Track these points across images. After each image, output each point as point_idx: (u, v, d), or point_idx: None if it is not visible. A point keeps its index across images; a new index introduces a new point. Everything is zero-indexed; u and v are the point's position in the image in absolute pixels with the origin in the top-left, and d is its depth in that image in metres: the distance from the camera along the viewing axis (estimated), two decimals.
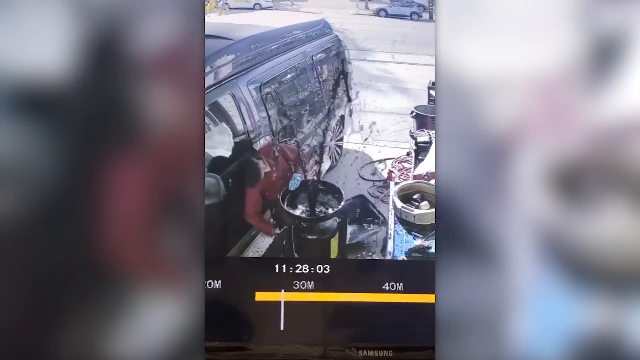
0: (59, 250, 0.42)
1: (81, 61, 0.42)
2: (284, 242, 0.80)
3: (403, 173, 0.86)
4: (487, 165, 0.52)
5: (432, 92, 0.82)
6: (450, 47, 0.52)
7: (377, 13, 0.93)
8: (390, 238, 0.79)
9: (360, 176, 0.87)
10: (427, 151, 0.85)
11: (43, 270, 0.42)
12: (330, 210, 0.81)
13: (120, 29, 0.43)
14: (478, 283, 0.52)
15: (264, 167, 0.80)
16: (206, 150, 0.76)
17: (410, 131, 0.86)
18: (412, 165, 0.86)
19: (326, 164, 0.87)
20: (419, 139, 0.86)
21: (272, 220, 0.81)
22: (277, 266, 0.71)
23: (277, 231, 0.81)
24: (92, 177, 0.43)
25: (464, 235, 0.52)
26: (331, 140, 0.88)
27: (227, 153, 0.80)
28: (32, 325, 0.41)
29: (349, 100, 0.89)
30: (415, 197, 0.83)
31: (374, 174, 0.87)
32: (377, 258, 0.77)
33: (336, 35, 0.90)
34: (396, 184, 0.84)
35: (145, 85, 0.43)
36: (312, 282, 0.69)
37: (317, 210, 0.82)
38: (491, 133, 0.52)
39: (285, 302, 0.68)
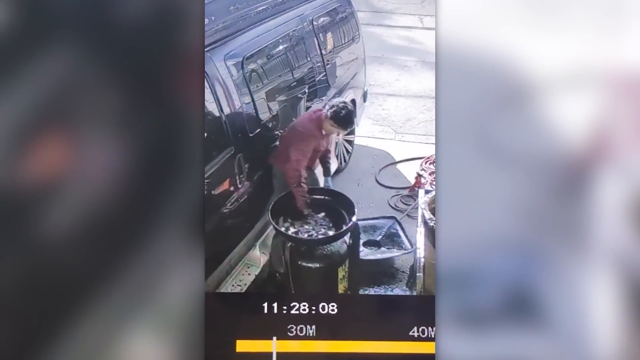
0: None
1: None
2: (276, 272, 0.70)
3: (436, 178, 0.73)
4: (552, 191, 0.48)
5: None
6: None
7: None
8: (419, 265, 0.68)
9: (378, 182, 0.79)
10: None
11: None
12: (337, 228, 0.71)
13: None
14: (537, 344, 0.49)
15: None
16: None
17: None
18: None
19: (332, 166, 0.76)
20: None
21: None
22: (266, 305, 0.61)
23: (266, 256, 0.71)
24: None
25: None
26: (338, 134, 0.79)
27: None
28: None
29: (363, 79, 0.80)
30: None
31: (396, 179, 0.79)
32: (402, 293, 0.70)
33: None
34: (427, 192, 0.73)
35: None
36: (314, 327, 0.61)
37: (320, 228, 0.71)
38: (557, 148, 0.47)
39: (278, 353, 0.60)
